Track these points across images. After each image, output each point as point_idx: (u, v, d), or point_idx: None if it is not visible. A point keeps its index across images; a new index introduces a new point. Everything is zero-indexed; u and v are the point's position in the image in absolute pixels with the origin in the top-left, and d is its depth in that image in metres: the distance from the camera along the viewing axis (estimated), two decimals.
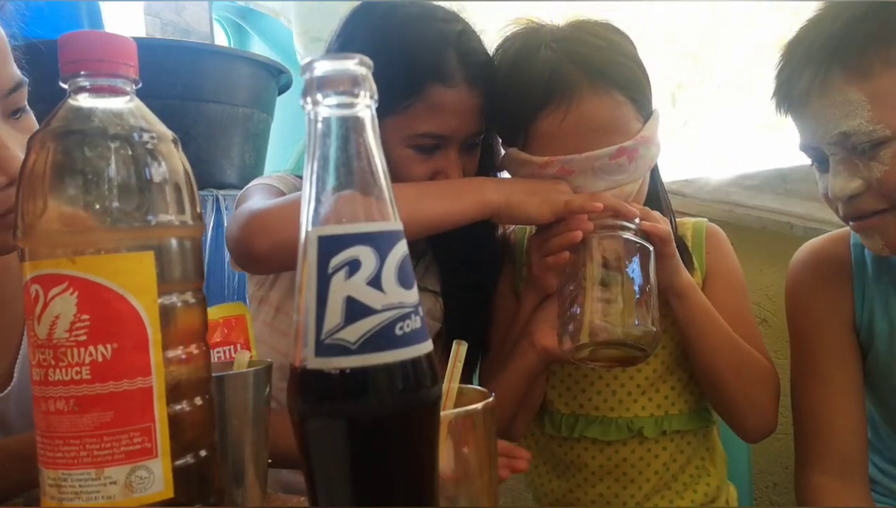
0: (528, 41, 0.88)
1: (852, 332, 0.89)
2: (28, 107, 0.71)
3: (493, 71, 0.91)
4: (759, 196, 1.30)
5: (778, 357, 1.08)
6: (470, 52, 0.90)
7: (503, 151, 0.94)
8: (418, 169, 0.90)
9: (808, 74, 0.76)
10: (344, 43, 0.92)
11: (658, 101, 0.91)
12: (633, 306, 0.77)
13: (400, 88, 0.86)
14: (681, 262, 0.87)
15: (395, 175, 0.91)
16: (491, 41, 0.94)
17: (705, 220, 1.01)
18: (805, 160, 0.84)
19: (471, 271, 1.00)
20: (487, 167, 0.98)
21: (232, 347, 0.64)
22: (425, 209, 0.83)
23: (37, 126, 0.72)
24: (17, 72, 0.69)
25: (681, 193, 1.36)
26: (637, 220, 0.82)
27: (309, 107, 0.37)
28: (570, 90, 0.82)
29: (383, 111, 0.38)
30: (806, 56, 0.77)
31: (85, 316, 0.40)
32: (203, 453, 0.44)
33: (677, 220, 0.98)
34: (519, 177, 0.90)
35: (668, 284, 0.85)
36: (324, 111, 0.37)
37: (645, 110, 0.88)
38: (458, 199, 0.85)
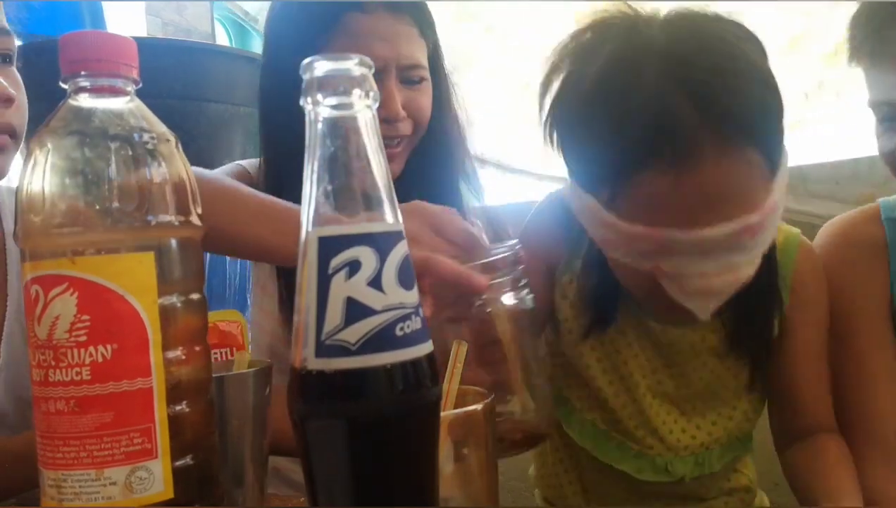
0: (626, 52, 0.64)
1: (889, 313, 0.84)
2: (13, 60, 0.71)
3: None
4: None
5: None
6: None
7: (572, 191, 0.71)
8: None
9: None
10: None
11: None
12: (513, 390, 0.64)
13: (318, 23, 0.83)
14: None
15: None
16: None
17: (798, 232, 0.82)
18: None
19: None
20: (443, 108, 0.95)
21: (228, 349, 0.64)
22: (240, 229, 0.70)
23: (20, 81, 0.73)
24: (3, 20, 0.70)
25: None
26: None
27: (309, 107, 0.37)
28: (687, 144, 0.60)
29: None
30: None
31: (85, 317, 0.39)
32: (203, 453, 0.44)
33: None
34: (597, 235, 0.69)
35: None
36: (324, 111, 0.37)
37: (776, 159, 0.65)
38: (282, 229, 0.68)
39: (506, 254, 0.64)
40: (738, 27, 0.66)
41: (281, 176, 0.92)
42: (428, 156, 0.95)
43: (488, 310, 0.63)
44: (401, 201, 0.39)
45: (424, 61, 0.90)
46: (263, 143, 0.96)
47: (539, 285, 0.76)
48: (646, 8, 0.67)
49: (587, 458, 0.87)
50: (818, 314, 0.82)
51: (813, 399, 0.82)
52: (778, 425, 0.85)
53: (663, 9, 0.67)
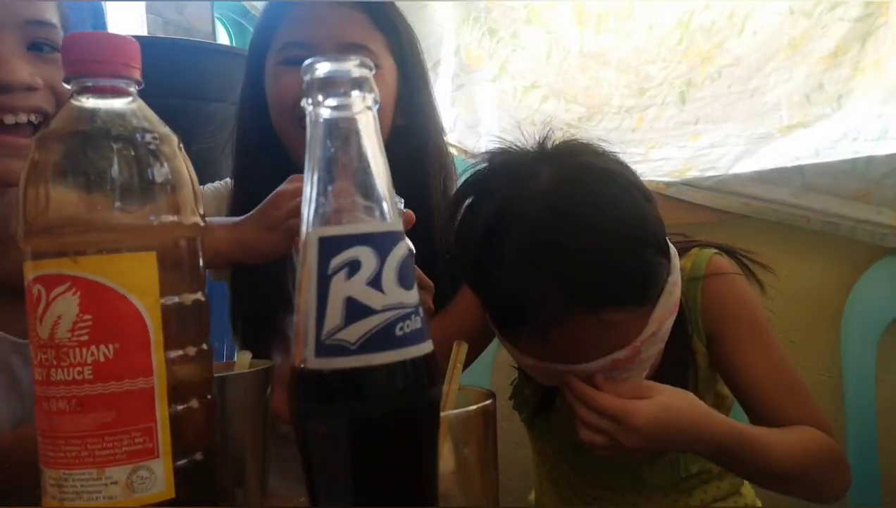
0: (500, 217, 0.66)
1: None
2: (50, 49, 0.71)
3: None
4: (776, 190, 1.30)
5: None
6: None
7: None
8: (288, 81, 0.89)
9: None
10: None
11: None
12: None
13: (270, 18, 0.92)
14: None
15: (272, 97, 0.93)
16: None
17: (711, 252, 0.81)
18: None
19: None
20: (415, 102, 0.96)
21: None
22: None
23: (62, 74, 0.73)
24: (46, 14, 0.70)
25: (698, 186, 1.37)
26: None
27: (310, 108, 0.38)
28: (551, 315, 0.66)
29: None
30: None
31: (87, 316, 0.40)
32: (204, 453, 0.44)
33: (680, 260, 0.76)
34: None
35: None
36: (324, 112, 0.37)
37: (653, 292, 0.69)
38: None
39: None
40: (613, 175, 0.68)
41: (251, 171, 0.97)
42: (397, 149, 0.92)
43: None
44: None
45: (372, 45, 0.91)
46: (236, 140, 1.01)
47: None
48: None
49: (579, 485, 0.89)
50: (755, 334, 0.79)
51: (777, 401, 0.77)
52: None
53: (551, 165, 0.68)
